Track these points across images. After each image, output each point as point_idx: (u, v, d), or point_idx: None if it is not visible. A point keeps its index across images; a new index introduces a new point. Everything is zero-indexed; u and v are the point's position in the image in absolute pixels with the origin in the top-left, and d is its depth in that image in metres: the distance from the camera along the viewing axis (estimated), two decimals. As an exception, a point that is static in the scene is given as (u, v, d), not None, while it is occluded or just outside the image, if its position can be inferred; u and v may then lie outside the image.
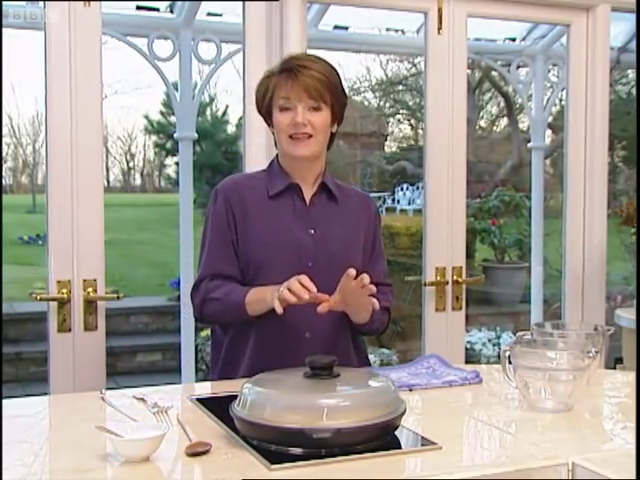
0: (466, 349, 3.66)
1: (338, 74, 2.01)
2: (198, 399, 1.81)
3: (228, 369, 2.04)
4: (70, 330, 2.75)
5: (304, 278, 1.79)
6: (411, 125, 13.10)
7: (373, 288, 1.82)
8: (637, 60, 3.57)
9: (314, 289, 1.79)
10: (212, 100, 16.95)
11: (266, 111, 2.02)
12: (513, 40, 4.40)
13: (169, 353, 6.95)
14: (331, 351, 1.71)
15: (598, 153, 3.52)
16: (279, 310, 1.79)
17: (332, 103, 1.98)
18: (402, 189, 12.04)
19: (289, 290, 1.77)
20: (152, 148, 25.36)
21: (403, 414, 1.51)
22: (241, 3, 3.03)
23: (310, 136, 1.96)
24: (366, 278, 1.80)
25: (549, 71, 4.29)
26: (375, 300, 1.85)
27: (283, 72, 1.96)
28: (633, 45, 4.25)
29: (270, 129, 2.06)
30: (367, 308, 1.91)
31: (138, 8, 3.68)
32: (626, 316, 3.59)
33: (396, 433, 1.51)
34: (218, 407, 1.67)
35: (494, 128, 12.90)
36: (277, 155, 2.09)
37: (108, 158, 27.57)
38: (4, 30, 2.79)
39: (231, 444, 1.48)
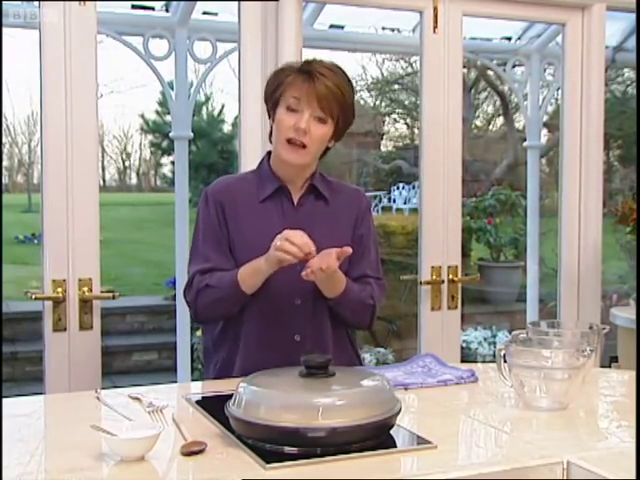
0: (462, 348, 3.67)
1: (353, 92, 2.01)
2: (193, 398, 1.81)
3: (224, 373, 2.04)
4: (65, 329, 2.75)
5: (294, 237, 1.80)
6: (407, 124, 13.08)
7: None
8: (637, 60, 3.57)
9: (310, 248, 1.81)
10: (208, 99, 16.92)
11: (272, 104, 1.99)
12: (509, 39, 4.40)
13: (165, 352, 6.94)
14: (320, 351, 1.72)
15: (594, 152, 3.52)
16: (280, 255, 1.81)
17: (338, 119, 1.97)
18: (398, 188, 12.01)
19: (285, 251, 1.79)
20: (148, 147, 25.28)
21: (398, 413, 1.51)
22: (237, 2, 3.03)
23: (304, 146, 1.94)
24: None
25: (545, 70, 4.29)
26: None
27: (302, 73, 1.94)
28: (628, 44, 4.25)
29: (270, 122, 2.03)
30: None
31: (133, 7, 3.67)
32: (621, 315, 3.59)
33: (391, 432, 1.51)
34: (213, 406, 1.67)
35: (490, 127, 12.90)
36: (268, 154, 2.08)
37: (104, 157, 27.45)
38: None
39: (226, 443, 1.48)
